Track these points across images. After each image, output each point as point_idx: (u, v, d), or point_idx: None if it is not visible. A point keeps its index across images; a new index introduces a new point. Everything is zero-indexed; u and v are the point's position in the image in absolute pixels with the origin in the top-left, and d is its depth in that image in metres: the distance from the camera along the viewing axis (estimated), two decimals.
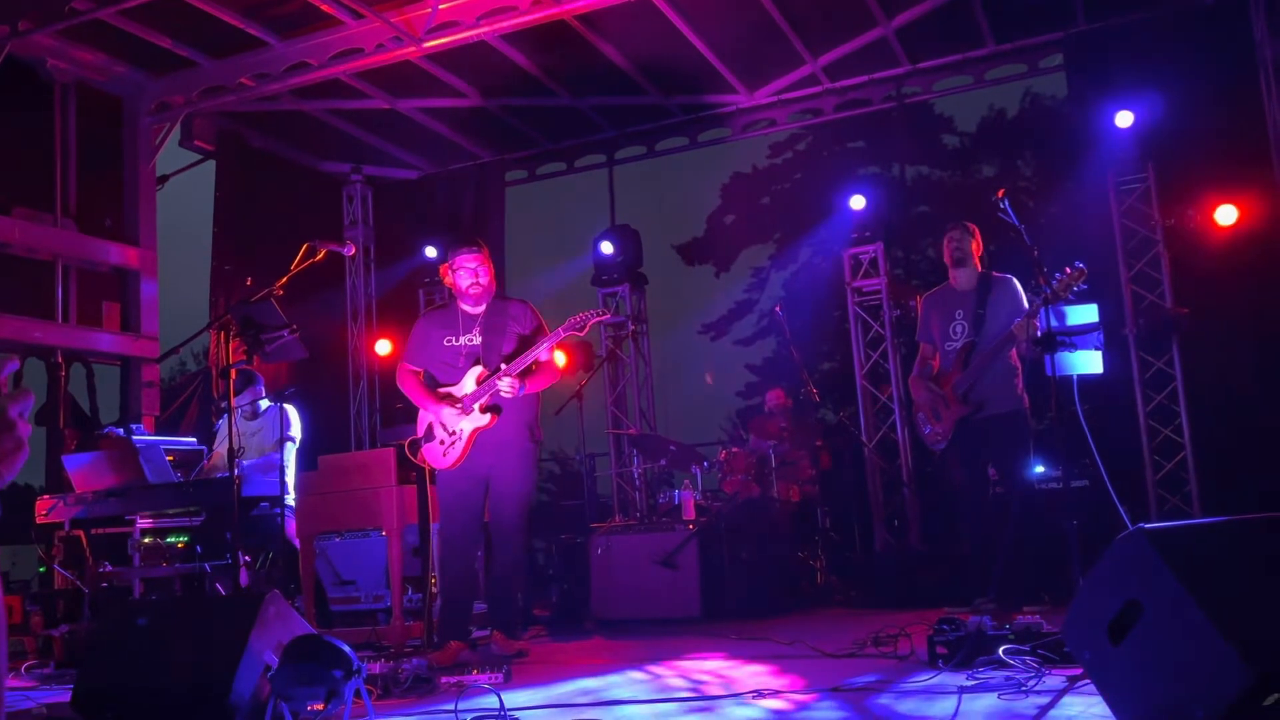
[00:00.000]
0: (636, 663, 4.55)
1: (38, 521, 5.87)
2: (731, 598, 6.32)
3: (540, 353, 4.95)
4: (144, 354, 7.89)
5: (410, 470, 5.33)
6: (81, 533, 5.90)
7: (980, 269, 5.55)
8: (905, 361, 8.15)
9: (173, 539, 5.96)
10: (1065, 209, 9.97)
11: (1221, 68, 7.29)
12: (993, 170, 20.90)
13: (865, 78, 8.77)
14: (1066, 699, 3.08)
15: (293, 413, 6.17)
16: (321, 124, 9.07)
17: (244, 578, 5.06)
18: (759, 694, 3.51)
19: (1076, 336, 4.95)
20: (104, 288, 7.91)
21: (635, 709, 3.49)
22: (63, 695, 4.18)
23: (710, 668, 4.35)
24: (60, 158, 7.67)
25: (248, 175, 8.98)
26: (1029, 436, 5.42)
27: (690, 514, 6.68)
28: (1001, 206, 4.71)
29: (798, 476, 7.47)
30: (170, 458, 6.10)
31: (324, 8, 7.09)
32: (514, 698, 3.71)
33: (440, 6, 7.07)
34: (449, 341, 5.10)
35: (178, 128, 8.31)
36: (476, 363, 4.99)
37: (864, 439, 8.45)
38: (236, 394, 5.37)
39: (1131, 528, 2.56)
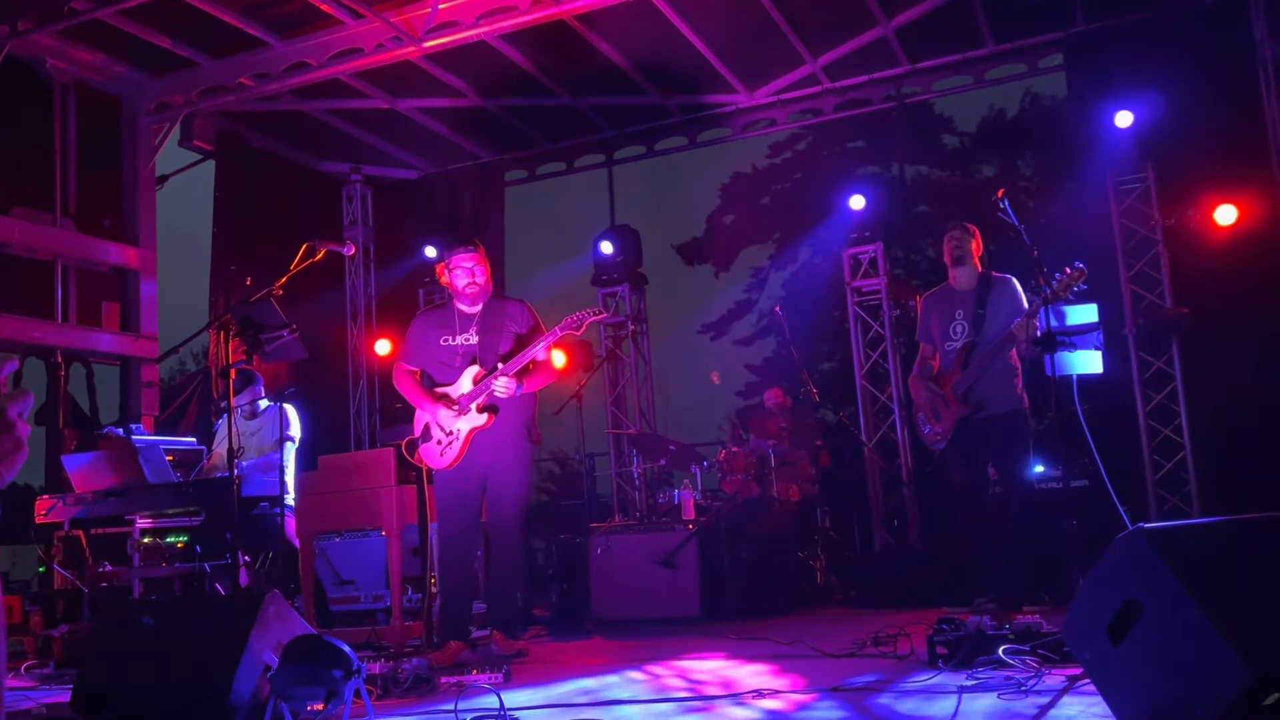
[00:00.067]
0: (636, 663, 4.55)
1: (37, 521, 5.87)
2: (731, 598, 6.32)
3: (537, 352, 4.95)
4: (143, 354, 7.89)
5: (410, 470, 5.33)
6: (81, 533, 5.90)
7: (980, 269, 5.55)
8: (905, 361, 8.16)
9: (172, 539, 5.96)
10: (1065, 209, 9.97)
11: (1221, 68, 7.29)
12: (993, 170, 20.90)
13: (865, 78, 8.77)
14: (1066, 699, 3.08)
15: (292, 412, 6.17)
16: (321, 124, 9.08)
17: (244, 578, 5.06)
18: (759, 694, 3.51)
19: (1076, 336, 4.95)
20: (103, 288, 7.91)
21: (635, 709, 3.49)
22: (62, 695, 4.18)
23: (710, 668, 4.35)
24: (60, 158, 7.67)
25: (247, 175, 8.98)
26: (1029, 436, 5.42)
27: (690, 514, 6.68)
28: (1001, 206, 4.71)
29: (797, 476, 7.47)
30: (170, 458, 6.10)
31: (323, 8, 7.09)
32: (514, 698, 3.71)
33: (440, 6, 7.07)
34: (446, 341, 5.10)
35: (177, 128, 8.31)
36: (473, 362, 4.99)
37: (864, 439, 8.45)
38: (236, 394, 5.37)
39: (1131, 528, 2.57)
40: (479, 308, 5.10)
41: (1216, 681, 2.27)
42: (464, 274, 5.05)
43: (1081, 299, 5.11)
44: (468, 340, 5.06)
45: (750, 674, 4.05)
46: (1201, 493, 7.22)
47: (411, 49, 7.35)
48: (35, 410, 6.95)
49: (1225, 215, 7.25)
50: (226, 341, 8.07)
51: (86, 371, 7.76)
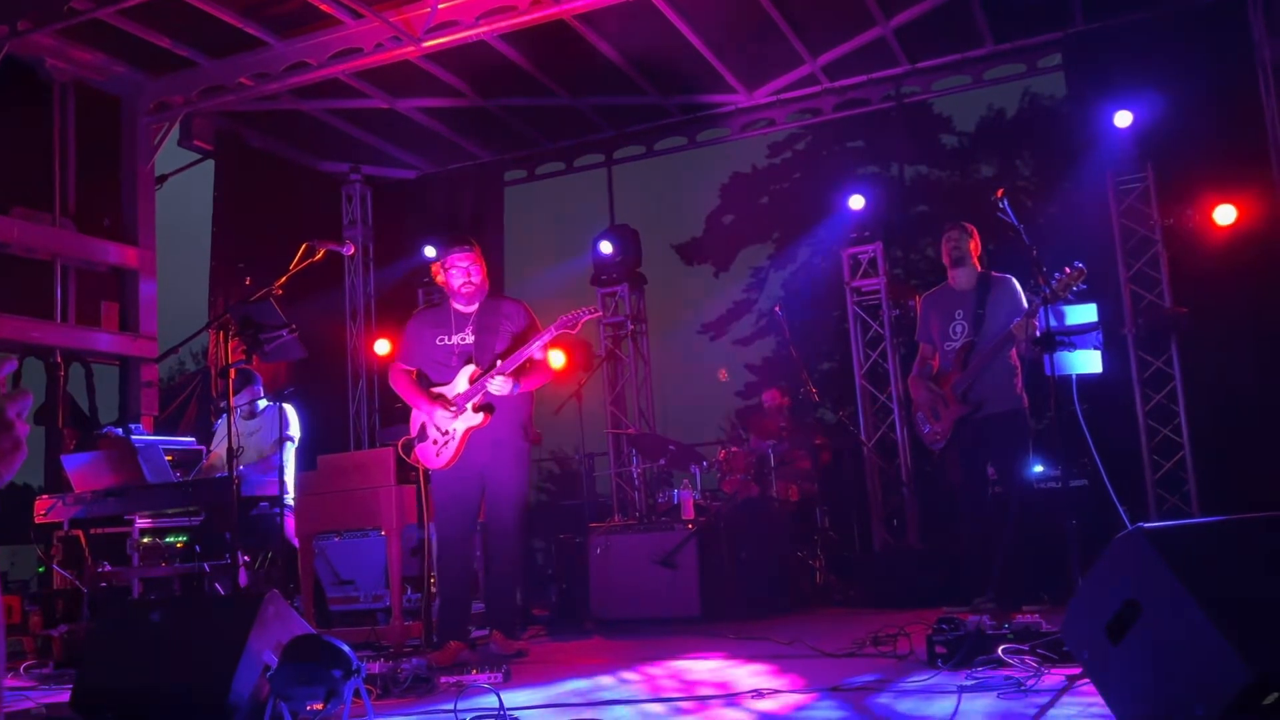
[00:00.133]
0: (635, 662, 4.55)
1: (36, 521, 5.87)
2: (731, 597, 6.32)
3: (533, 351, 4.95)
4: (143, 354, 7.88)
5: (409, 470, 5.33)
6: (80, 532, 5.90)
7: (979, 268, 5.56)
8: (904, 361, 8.16)
9: (171, 539, 5.97)
10: (1064, 209, 9.96)
11: (1220, 68, 7.29)
12: (992, 170, 20.91)
13: (864, 77, 8.77)
14: (1065, 698, 3.08)
15: (291, 412, 6.17)
16: (320, 124, 9.07)
17: (243, 578, 5.06)
18: (758, 693, 3.51)
19: (1075, 336, 4.97)
20: (103, 287, 7.90)
21: (634, 709, 3.49)
22: (62, 695, 4.18)
23: (709, 667, 4.35)
24: (59, 157, 7.67)
25: (247, 175, 8.98)
26: (1028, 436, 5.43)
27: (689, 514, 6.68)
28: (1001, 206, 4.71)
29: (797, 476, 7.47)
30: (169, 457, 6.09)
31: (323, 7, 7.08)
32: (513, 697, 3.71)
33: (439, 6, 7.06)
34: (442, 341, 5.10)
35: (176, 127, 8.30)
36: (469, 362, 4.99)
37: (863, 438, 8.45)
38: (235, 394, 5.37)
39: (1130, 527, 2.57)
40: (475, 307, 5.11)
41: (1216, 681, 2.27)
42: (459, 273, 5.06)
43: (1081, 299, 5.12)
44: (464, 340, 5.06)
45: (749, 674, 4.05)
46: (1201, 492, 7.22)
47: (411, 49, 7.35)
48: (34, 410, 6.94)
49: (1224, 215, 7.25)
50: (226, 341, 8.03)
51: (86, 371, 7.75)
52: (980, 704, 3.09)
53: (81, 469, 5.89)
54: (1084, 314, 5.64)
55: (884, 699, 3.32)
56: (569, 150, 9.99)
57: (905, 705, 3.20)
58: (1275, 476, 6.59)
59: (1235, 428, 7.17)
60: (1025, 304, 5.31)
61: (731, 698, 3.52)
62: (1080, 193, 8.11)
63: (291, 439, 6.09)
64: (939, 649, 3.78)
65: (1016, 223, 4.71)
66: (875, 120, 9.39)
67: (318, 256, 5.11)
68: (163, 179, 8.61)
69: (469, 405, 4.92)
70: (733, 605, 6.25)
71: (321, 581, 6.36)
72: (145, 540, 5.83)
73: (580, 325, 4.94)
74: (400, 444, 5.24)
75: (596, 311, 5.13)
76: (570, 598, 6.89)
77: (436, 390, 5.02)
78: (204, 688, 3.30)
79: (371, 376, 9.95)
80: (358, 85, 8.34)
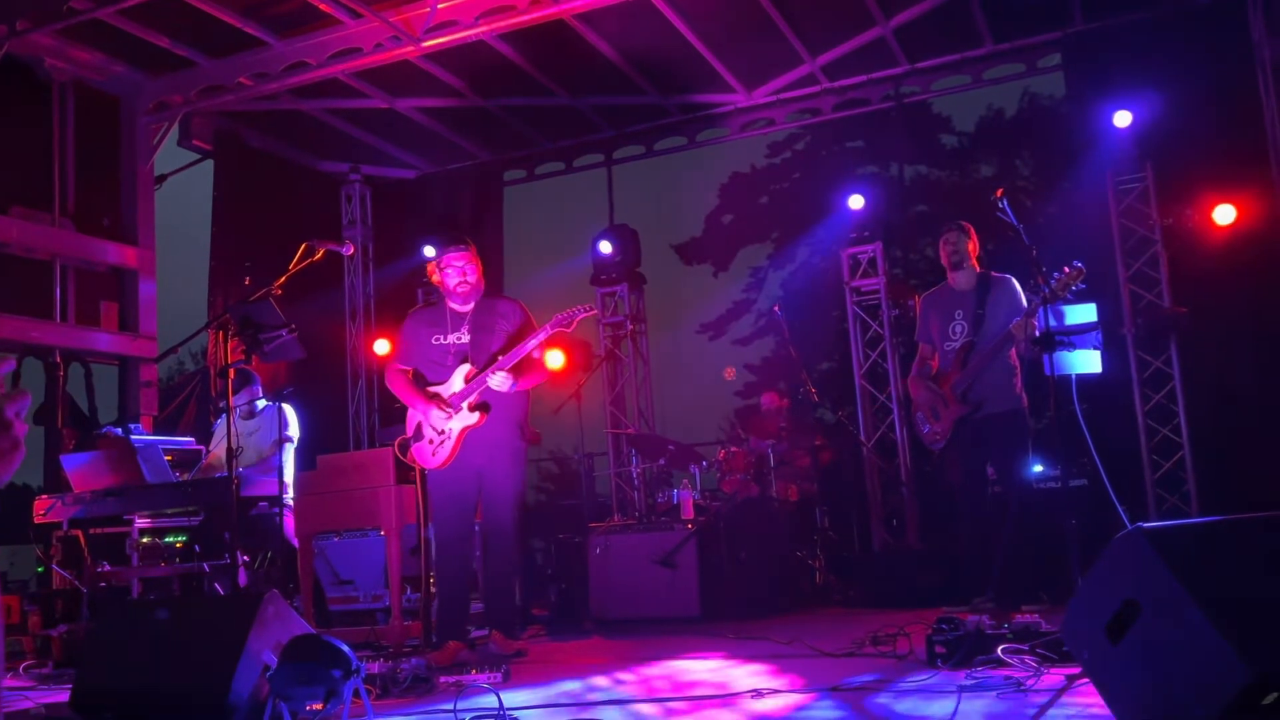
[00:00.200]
0: (635, 662, 4.55)
1: (36, 521, 5.86)
2: (730, 597, 6.32)
3: (530, 349, 4.95)
4: (142, 354, 7.88)
5: (408, 470, 5.33)
6: (80, 532, 5.89)
7: (978, 269, 5.56)
8: (904, 361, 8.16)
9: (171, 539, 5.96)
10: (1063, 208, 9.96)
11: (1219, 67, 7.29)
12: (991, 170, 20.91)
13: (864, 77, 8.77)
14: (1065, 698, 3.08)
15: (290, 412, 6.17)
16: (320, 123, 9.07)
17: (242, 578, 5.06)
18: (758, 693, 3.51)
19: (1075, 336, 4.97)
20: (102, 287, 7.90)
21: (634, 709, 3.49)
22: (61, 695, 4.18)
23: (709, 667, 4.35)
24: (58, 157, 7.66)
25: (246, 175, 8.98)
26: (1027, 436, 5.43)
27: (689, 513, 6.68)
28: (1000, 206, 4.71)
29: (796, 476, 7.47)
30: (168, 457, 6.09)
31: (322, 7, 7.08)
32: (513, 697, 3.71)
33: (439, 6, 7.06)
34: (438, 340, 5.10)
35: (176, 127, 8.30)
36: (464, 361, 4.99)
37: (862, 438, 8.45)
38: (234, 394, 5.36)
39: (1130, 527, 2.56)
40: (470, 306, 5.11)
41: (1216, 681, 2.27)
42: (455, 273, 5.06)
43: (1080, 298, 5.11)
44: (459, 339, 5.06)
45: (749, 673, 4.05)
46: (1200, 492, 7.22)
47: (410, 49, 7.34)
48: (34, 410, 6.95)
49: (1224, 215, 7.26)
50: (225, 341, 8.03)
51: (85, 371, 7.75)
52: (980, 704, 3.09)
53: (81, 469, 5.88)
54: (1083, 314, 5.64)
55: (883, 699, 3.32)
56: (568, 150, 9.99)
57: (904, 705, 3.20)
58: (1275, 476, 6.59)
59: (1235, 428, 7.17)
60: (1025, 304, 5.31)
61: (729, 698, 3.52)
62: (1079, 192, 8.11)
63: (291, 439, 6.09)
64: (938, 649, 3.78)
65: (1016, 222, 4.71)
66: (875, 120, 9.38)
67: (317, 256, 5.11)
68: (162, 179, 8.61)
69: (464, 404, 4.92)
70: (732, 605, 6.25)
71: (321, 581, 6.35)
72: (144, 540, 5.82)
73: (576, 323, 4.94)
74: (397, 444, 5.24)
75: (592, 310, 5.12)
76: (570, 598, 6.89)
77: (432, 390, 5.02)
78: (203, 688, 3.30)
79: (371, 376, 9.94)
80: (357, 85, 8.34)
